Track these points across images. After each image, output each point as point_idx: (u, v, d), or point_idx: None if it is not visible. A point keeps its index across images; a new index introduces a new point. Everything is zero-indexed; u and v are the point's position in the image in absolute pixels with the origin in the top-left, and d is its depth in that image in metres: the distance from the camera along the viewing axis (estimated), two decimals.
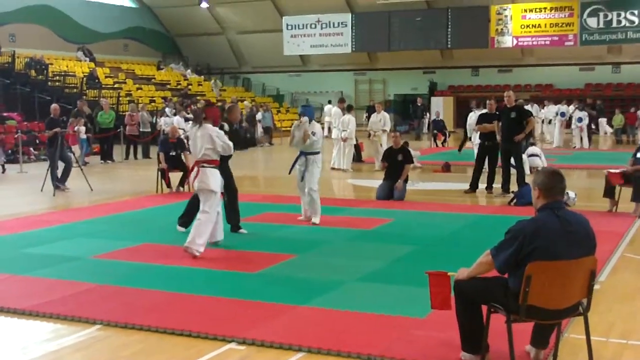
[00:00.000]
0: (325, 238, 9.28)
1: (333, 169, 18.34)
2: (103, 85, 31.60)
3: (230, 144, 8.45)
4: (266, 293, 6.57)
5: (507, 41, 34.31)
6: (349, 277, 7.14)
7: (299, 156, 10.34)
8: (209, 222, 8.26)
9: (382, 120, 18.75)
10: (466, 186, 13.78)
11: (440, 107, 32.48)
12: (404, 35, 35.90)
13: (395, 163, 12.65)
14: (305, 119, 10.20)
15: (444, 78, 39.63)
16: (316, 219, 10.20)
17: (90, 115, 21.90)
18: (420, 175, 16.77)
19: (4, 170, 18.72)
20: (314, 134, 10.13)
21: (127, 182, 16.77)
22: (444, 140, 26.89)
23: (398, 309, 6.02)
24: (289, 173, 10.63)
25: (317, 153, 10.33)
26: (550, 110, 28.09)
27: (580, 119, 26.00)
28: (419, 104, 33.80)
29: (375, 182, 13.70)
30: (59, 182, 14.34)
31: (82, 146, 20.41)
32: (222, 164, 8.75)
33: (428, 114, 33.56)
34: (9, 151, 21.11)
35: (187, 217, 9.59)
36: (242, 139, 26.94)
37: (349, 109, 18.84)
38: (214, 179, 8.29)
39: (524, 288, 4.25)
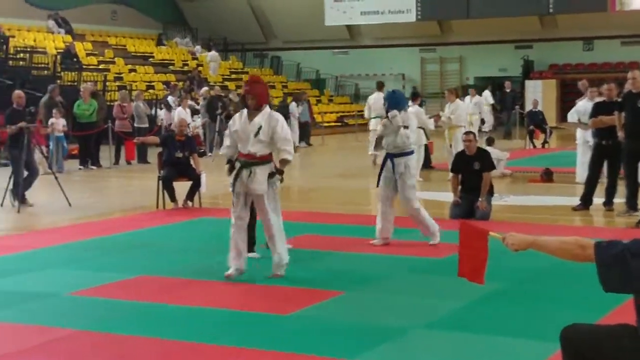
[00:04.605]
0: (383, 270, 9.29)
1: None
2: (84, 66, 31.93)
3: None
4: (302, 342, 6.59)
5: (635, 1, 33.91)
6: (414, 323, 7.14)
7: (384, 161, 10.68)
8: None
9: (456, 112, 18.48)
10: (576, 201, 13.70)
11: (539, 94, 32.23)
12: None
13: (472, 173, 12.62)
14: (394, 113, 10.42)
15: (544, 54, 39.37)
16: (435, 239, 10.49)
17: (64, 106, 22.12)
18: (510, 187, 16.67)
19: None
20: (406, 127, 10.44)
21: (118, 195, 16.93)
22: (545, 141, 26.71)
23: None
24: (377, 186, 10.76)
25: (410, 154, 10.60)
26: None
27: None
28: (509, 90, 33.59)
29: (449, 195, 13.65)
30: (16, 195, 14.36)
31: (58, 146, 20.63)
32: None
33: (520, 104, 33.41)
34: None
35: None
36: None
37: (413, 97, 18.70)
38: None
39: None
